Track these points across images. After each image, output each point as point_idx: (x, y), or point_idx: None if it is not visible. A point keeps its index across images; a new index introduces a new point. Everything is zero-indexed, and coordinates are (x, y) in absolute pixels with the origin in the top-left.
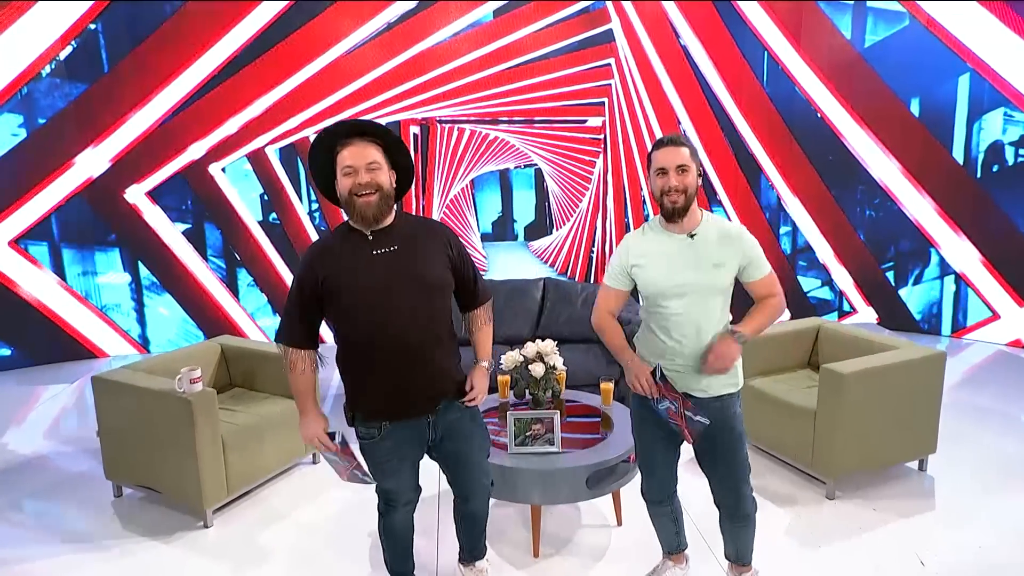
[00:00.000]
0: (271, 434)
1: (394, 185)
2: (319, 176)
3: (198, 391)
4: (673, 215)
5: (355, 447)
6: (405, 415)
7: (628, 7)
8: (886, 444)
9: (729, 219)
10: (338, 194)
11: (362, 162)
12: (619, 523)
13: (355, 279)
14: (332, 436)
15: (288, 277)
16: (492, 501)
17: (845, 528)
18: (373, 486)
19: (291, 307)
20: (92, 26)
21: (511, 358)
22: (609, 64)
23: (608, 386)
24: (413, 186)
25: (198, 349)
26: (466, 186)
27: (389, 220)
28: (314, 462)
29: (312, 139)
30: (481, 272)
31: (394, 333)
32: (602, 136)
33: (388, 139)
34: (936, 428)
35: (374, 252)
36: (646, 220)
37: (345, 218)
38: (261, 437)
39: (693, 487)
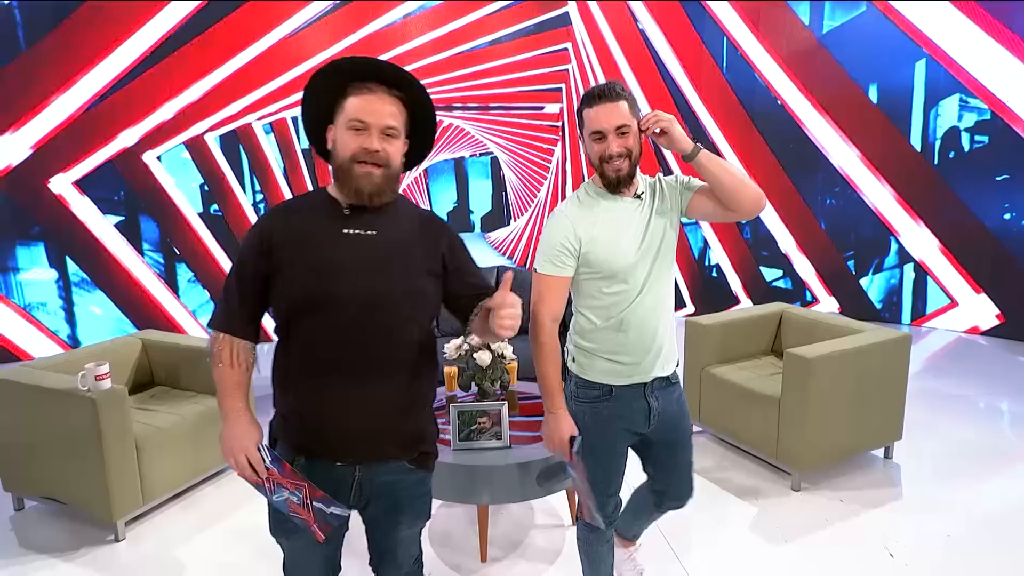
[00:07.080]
0: (196, 435)
1: (403, 161)
2: (307, 115)
3: (105, 389)
4: (618, 185)
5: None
6: (327, 454)
7: None
8: (853, 431)
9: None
10: (330, 149)
11: (378, 122)
12: (574, 522)
13: (315, 254)
14: (273, 452)
15: None
16: (437, 502)
17: (812, 520)
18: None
19: (230, 283)
20: (6, 1)
21: (455, 346)
22: (566, 48)
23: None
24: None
25: (116, 344)
26: (419, 175)
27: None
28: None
29: (321, 69)
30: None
31: (342, 340)
32: (560, 123)
33: (418, 97)
34: (902, 414)
35: (345, 231)
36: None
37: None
38: (184, 439)
39: None
